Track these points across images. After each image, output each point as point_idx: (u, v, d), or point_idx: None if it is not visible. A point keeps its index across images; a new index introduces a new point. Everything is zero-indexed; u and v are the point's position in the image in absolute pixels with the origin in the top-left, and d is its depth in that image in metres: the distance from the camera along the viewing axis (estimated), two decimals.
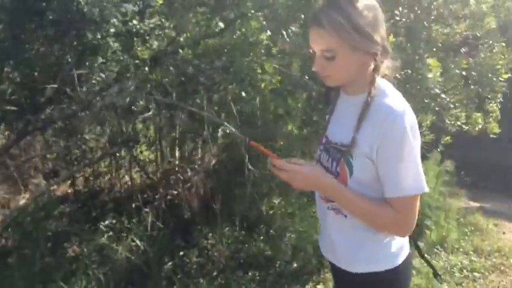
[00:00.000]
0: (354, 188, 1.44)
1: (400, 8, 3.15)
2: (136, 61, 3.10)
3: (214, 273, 3.44)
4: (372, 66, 1.43)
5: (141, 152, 4.51)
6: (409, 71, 3.11)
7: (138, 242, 3.33)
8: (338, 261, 1.57)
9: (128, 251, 3.26)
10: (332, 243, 1.56)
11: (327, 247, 1.62)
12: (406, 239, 1.56)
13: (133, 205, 3.75)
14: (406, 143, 1.36)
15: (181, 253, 3.58)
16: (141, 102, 3.37)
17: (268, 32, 2.93)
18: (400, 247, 1.53)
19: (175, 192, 3.95)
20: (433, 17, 3.31)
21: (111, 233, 3.51)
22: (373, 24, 1.38)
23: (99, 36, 3.00)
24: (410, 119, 1.37)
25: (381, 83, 1.45)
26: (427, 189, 1.42)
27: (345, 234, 1.52)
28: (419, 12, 3.24)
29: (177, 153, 4.23)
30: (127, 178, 4.42)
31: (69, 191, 4.45)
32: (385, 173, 1.41)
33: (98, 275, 3.02)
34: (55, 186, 4.23)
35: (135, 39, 3.12)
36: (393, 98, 1.41)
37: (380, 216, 1.43)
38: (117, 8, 2.98)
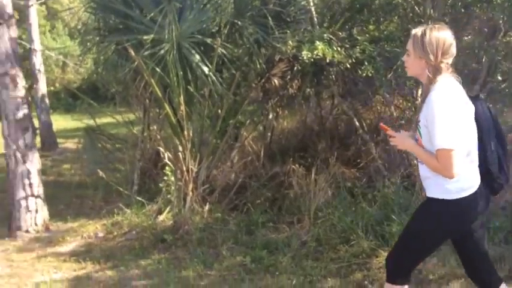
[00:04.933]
0: (426, 147, 2.32)
1: None
2: None
3: None
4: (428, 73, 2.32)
5: None
6: None
7: None
8: (424, 190, 2.50)
9: None
10: (421, 179, 2.51)
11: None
12: (469, 185, 2.31)
13: None
14: (436, 116, 2.21)
15: None
16: None
17: None
18: (459, 189, 2.29)
19: None
20: None
21: None
22: (433, 50, 2.26)
23: None
24: (442, 101, 2.22)
25: (441, 80, 2.29)
26: (453, 147, 2.19)
27: (424, 174, 2.42)
28: None
29: None
30: None
31: None
32: (431, 136, 2.27)
33: None
34: None
35: None
36: (437, 91, 2.26)
37: (432, 164, 2.29)
38: None
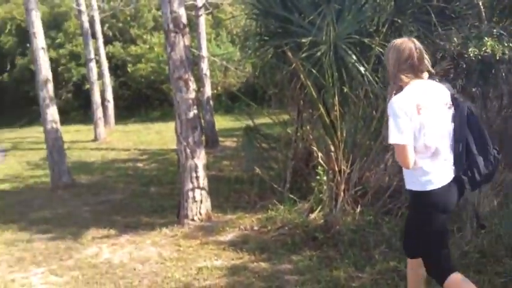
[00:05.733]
0: None
1: None
2: None
3: None
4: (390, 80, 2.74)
5: None
6: None
7: None
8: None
9: None
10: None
11: None
12: (436, 179, 2.56)
13: None
14: (390, 116, 2.54)
15: None
16: None
17: None
18: (426, 182, 2.57)
19: None
20: None
21: None
22: (393, 62, 2.58)
23: None
24: (395, 103, 2.52)
25: (410, 85, 2.56)
26: (402, 142, 2.51)
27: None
28: None
29: None
30: None
31: None
32: None
33: None
34: None
35: None
36: (397, 95, 2.56)
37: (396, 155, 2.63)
38: None
